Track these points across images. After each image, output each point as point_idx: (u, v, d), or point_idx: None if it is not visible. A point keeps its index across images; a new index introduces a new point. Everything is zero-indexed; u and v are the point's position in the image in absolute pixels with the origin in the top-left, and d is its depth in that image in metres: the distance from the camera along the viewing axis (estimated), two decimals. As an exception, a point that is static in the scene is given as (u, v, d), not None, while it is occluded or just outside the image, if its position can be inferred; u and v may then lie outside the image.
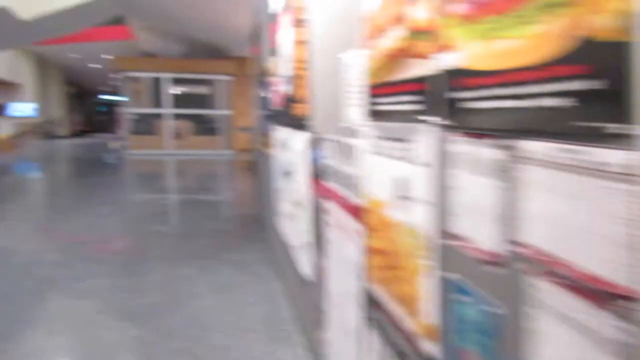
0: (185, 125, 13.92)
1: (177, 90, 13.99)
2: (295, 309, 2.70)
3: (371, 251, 1.30)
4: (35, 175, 10.16)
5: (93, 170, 10.69)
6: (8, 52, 17.02)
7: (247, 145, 15.29)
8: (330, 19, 1.63)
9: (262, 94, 4.22)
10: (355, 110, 1.36)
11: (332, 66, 1.56)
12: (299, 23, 2.12)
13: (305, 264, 2.24)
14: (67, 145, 17.90)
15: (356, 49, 1.33)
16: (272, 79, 3.06)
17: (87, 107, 31.91)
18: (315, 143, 1.91)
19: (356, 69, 1.34)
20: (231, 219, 5.56)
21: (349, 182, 1.46)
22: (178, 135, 13.78)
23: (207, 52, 14.84)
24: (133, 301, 2.98)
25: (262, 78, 4.09)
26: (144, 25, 12.00)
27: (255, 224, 5.15)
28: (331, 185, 1.68)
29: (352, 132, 1.40)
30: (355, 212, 1.40)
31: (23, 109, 19.23)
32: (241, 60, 15.19)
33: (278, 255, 3.34)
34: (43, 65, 21.39)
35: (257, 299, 3.06)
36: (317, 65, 1.86)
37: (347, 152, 1.46)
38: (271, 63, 3.01)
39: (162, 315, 2.78)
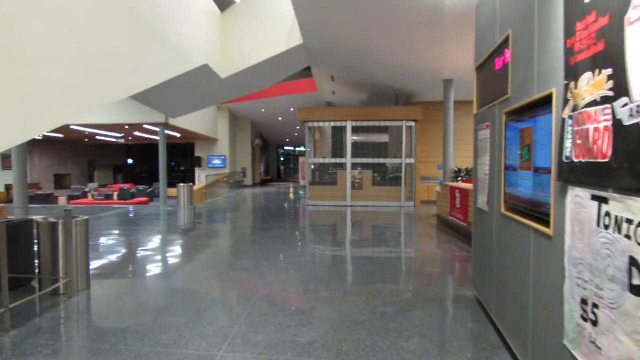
0: (366, 175, 13.24)
1: (357, 138, 13.53)
2: None
3: None
4: (222, 225, 10.45)
5: (275, 220, 10.60)
6: (209, 110, 19.19)
7: (430, 196, 13.99)
8: None
9: (499, 138, 2.98)
10: None
11: None
12: None
13: None
14: (251, 194, 19.03)
15: None
16: (579, 112, 1.82)
17: (270, 158, 34.71)
18: None
19: None
20: (436, 300, 4.28)
21: None
22: (358, 186, 13.15)
23: (388, 97, 14.25)
24: None
25: (515, 116, 2.87)
26: (328, 76, 11.96)
27: (476, 314, 3.80)
28: None
29: None
30: None
31: (217, 161, 21.89)
32: (425, 106, 14.20)
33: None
34: (235, 120, 23.77)
35: None
36: None
37: None
38: (582, 83, 1.78)
39: None
